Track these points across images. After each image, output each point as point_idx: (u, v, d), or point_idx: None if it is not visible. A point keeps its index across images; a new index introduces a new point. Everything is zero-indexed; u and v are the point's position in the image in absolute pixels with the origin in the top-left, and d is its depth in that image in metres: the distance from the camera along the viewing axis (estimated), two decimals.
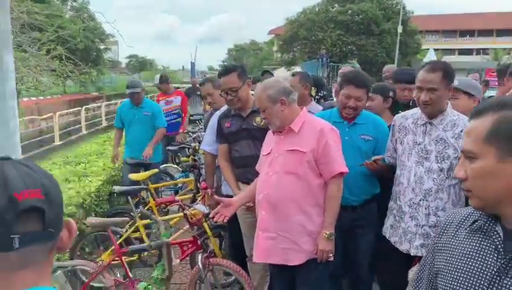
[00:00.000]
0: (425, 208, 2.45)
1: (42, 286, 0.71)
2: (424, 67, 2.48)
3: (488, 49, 46.27)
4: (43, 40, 8.23)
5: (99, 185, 4.79)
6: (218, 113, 3.74)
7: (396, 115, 2.76)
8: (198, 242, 3.31)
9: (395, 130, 2.67)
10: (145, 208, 4.44)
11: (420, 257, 2.26)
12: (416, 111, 2.58)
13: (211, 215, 2.79)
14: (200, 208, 3.28)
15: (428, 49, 34.55)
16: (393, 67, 5.45)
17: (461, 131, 2.37)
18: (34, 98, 12.33)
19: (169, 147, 6.26)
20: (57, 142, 12.05)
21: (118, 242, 3.69)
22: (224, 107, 3.69)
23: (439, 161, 2.43)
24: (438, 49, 41.57)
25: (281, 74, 26.73)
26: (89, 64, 15.07)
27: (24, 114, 11.97)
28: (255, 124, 3.14)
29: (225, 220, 2.69)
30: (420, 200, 2.47)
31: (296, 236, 2.50)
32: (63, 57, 8.32)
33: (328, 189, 2.50)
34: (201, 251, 3.29)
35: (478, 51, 48.26)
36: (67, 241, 0.78)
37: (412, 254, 2.49)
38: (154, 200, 4.63)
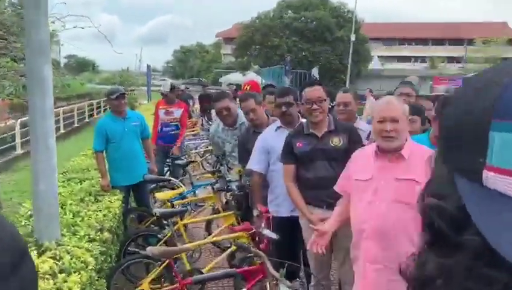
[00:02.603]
0: None
1: None
2: None
3: (425, 57, 49.31)
4: None
5: (118, 205, 4.43)
6: (267, 131, 3.63)
7: None
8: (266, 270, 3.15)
9: None
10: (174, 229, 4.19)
11: None
12: None
13: (308, 247, 2.66)
14: (269, 234, 3.12)
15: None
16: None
17: None
18: None
19: (178, 161, 5.98)
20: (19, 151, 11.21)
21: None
22: (273, 125, 3.59)
23: None
24: (380, 56, 43.77)
25: (234, 78, 26.41)
26: None
27: None
28: (332, 144, 3.05)
29: (324, 250, 2.58)
30: None
31: None
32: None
33: None
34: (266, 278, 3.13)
35: (416, 59, 51.21)
36: None
37: None
38: (181, 220, 4.40)
